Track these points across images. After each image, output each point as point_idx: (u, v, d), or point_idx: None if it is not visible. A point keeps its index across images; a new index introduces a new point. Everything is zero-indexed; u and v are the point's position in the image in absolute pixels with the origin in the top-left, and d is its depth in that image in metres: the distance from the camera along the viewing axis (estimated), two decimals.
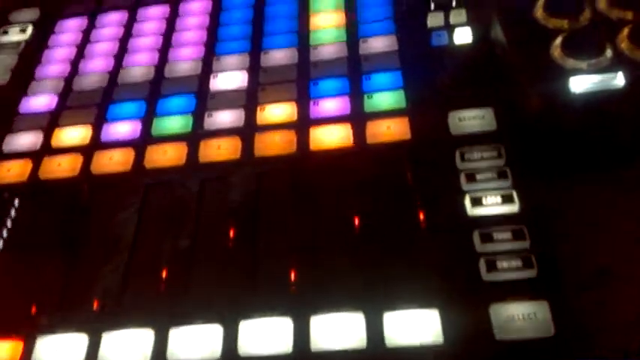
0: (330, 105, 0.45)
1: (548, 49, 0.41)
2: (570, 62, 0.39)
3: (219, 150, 0.44)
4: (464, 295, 0.33)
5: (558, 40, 0.40)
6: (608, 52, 0.39)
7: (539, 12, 0.43)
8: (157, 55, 0.53)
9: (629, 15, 0.41)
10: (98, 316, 0.36)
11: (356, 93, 0.46)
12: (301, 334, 0.33)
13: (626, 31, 0.40)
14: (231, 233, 0.39)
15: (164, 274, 0.37)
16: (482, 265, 0.34)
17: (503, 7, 0.45)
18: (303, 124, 0.44)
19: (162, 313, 0.35)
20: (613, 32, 0.40)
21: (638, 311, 0.33)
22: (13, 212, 0.43)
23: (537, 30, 0.42)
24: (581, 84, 0.38)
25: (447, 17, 0.49)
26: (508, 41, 0.43)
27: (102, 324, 0.35)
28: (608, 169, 0.38)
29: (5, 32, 0.59)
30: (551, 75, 0.39)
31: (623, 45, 0.39)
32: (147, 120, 0.47)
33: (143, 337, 0.34)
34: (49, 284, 0.38)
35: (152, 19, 0.57)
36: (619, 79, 0.38)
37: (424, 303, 0.33)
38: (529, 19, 0.43)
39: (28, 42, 0.58)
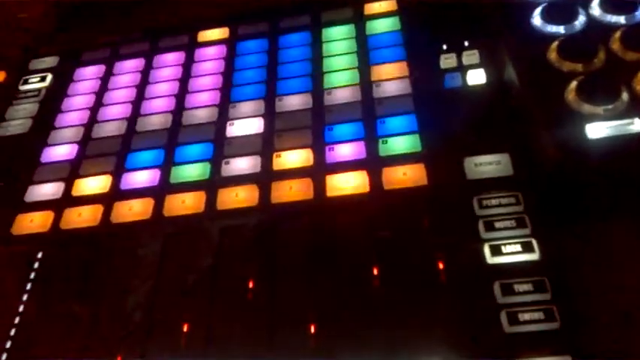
0: (346, 150, 0.46)
1: (562, 93, 0.41)
2: (586, 107, 0.39)
3: (237, 197, 0.44)
4: (487, 349, 0.33)
5: (573, 85, 0.40)
6: (625, 96, 0.39)
7: (552, 55, 0.43)
8: (174, 102, 0.54)
9: None
10: None
11: (371, 137, 0.46)
12: None
13: None
14: (250, 284, 0.39)
15: (185, 328, 0.37)
16: (504, 317, 0.34)
17: (516, 49, 0.45)
18: (319, 170, 0.45)
19: None
20: (628, 75, 0.40)
21: None
22: (36, 263, 0.44)
23: (551, 73, 0.42)
24: (597, 130, 0.38)
25: (459, 58, 0.49)
26: (522, 84, 0.43)
27: None
28: (627, 214, 0.37)
29: (26, 81, 0.61)
30: (567, 121, 0.39)
31: (639, 88, 0.39)
32: (165, 168, 0.48)
33: None
34: (72, 333, 0.38)
35: (168, 65, 0.58)
36: (636, 125, 0.38)
37: (446, 357, 0.33)
38: (543, 62, 0.43)
39: (48, 89, 0.59)
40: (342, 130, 0.47)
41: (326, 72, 0.52)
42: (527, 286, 0.35)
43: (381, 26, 0.55)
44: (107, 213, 0.46)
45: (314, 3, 0.60)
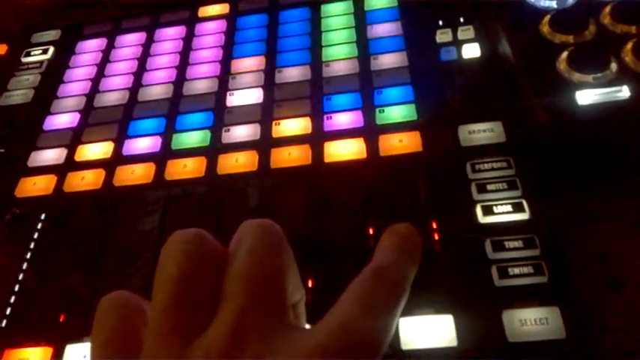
0: (344, 118, 0.47)
1: (554, 63, 0.42)
2: (576, 76, 0.40)
3: (237, 163, 0.46)
4: (477, 300, 0.34)
5: (564, 55, 0.42)
6: (614, 66, 0.40)
7: (545, 28, 0.44)
8: (175, 73, 0.55)
9: (633, 29, 0.43)
10: None
11: (368, 107, 0.47)
12: None
13: (630, 45, 0.41)
14: None
15: None
16: (494, 271, 0.35)
17: (510, 23, 0.47)
18: (317, 138, 0.46)
19: None
20: (618, 46, 0.42)
21: None
22: (39, 225, 0.45)
23: (544, 45, 0.44)
24: (587, 97, 0.39)
25: (455, 33, 0.50)
26: (515, 56, 0.44)
27: None
28: (615, 178, 0.39)
29: (28, 53, 0.61)
30: (558, 88, 0.40)
31: (628, 58, 0.41)
32: (167, 135, 0.49)
33: None
34: (76, 293, 0.39)
35: (169, 39, 0.59)
36: (624, 92, 0.39)
37: (439, 309, 0.34)
38: (535, 35, 0.45)
39: (50, 62, 0.60)
40: (340, 100, 0.48)
41: (325, 46, 0.54)
42: (517, 243, 0.36)
43: (379, 2, 0.56)
44: (109, 177, 0.47)
45: None
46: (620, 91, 0.39)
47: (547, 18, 0.45)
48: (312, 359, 0.19)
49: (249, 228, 0.23)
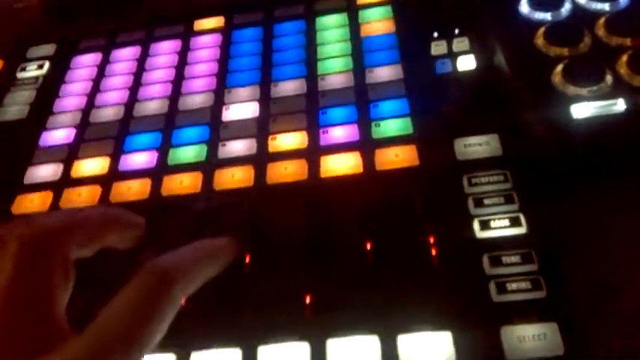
0: (340, 132, 0.47)
1: (549, 76, 0.42)
2: (571, 89, 0.40)
3: (233, 178, 0.45)
4: (475, 317, 0.34)
5: (559, 68, 0.42)
6: (608, 79, 0.41)
7: (539, 40, 0.44)
8: (170, 88, 0.55)
9: (628, 42, 0.43)
10: None
11: (364, 120, 0.47)
12: (318, 358, 0.34)
13: (625, 57, 0.41)
14: (247, 259, 0.40)
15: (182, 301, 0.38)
16: (492, 287, 0.35)
17: (505, 35, 0.47)
18: (313, 152, 0.46)
19: (183, 337, 0.36)
20: (612, 59, 0.42)
21: None
22: None
23: (538, 57, 0.44)
24: (582, 110, 0.39)
25: (450, 45, 0.51)
26: (510, 69, 0.44)
27: None
28: (611, 191, 0.39)
29: (23, 69, 0.61)
30: (553, 102, 0.40)
31: (622, 71, 0.41)
32: (163, 150, 0.49)
33: None
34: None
35: (164, 53, 0.59)
36: (619, 105, 0.39)
37: (437, 326, 0.34)
38: (530, 47, 0.45)
39: (45, 77, 0.60)
40: (336, 113, 0.48)
41: (320, 59, 0.54)
42: (515, 258, 0.36)
43: (374, 15, 0.56)
44: (106, 193, 0.47)
45: None
46: (615, 104, 0.39)
47: (542, 30, 0.45)
48: None
49: (7, 249, 0.22)
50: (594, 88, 0.40)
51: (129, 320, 0.21)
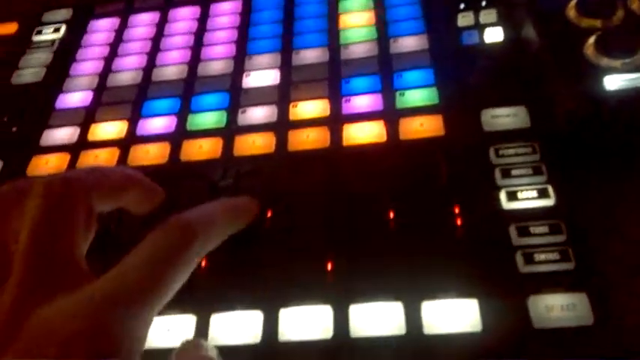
0: (362, 102, 0.46)
1: (581, 48, 0.41)
2: (604, 61, 0.40)
3: (254, 144, 0.45)
4: (502, 286, 0.34)
5: (592, 40, 0.41)
6: None
7: (571, 12, 0.43)
8: (189, 54, 0.54)
9: None
10: None
11: (388, 90, 0.46)
12: (340, 322, 0.34)
13: None
14: (268, 222, 0.39)
15: (204, 263, 0.38)
16: (519, 257, 0.34)
17: (535, 7, 0.46)
18: (335, 120, 0.45)
19: (204, 300, 0.36)
20: None
21: None
22: None
23: (570, 30, 0.43)
24: (615, 82, 0.38)
25: (477, 16, 0.50)
26: (541, 41, 0.43)
27: None
28: None
29: (39, 32, 0.61)
30: (585, 74, 0.39)
31: None
32: (182, 115, 0.48)
33: (185, 323, 0.35)
34: None
35: (183, 19, 0.58)
36: None
37: (463, 293, 0.33)
38: (561, 19, 0.44)
39: (62, 40, 0.59)
40: (359, 82, 0.47)
41: (342, 28, 0.53)
42: (543, 229, 0.35)
43: None
44: (124, 156, 0.46)
45: None
46: None
47: (573, 2, 0.44)
48: (77, 311, 0.19)
49: (33, 194, 0.23)
50: (627, 60, 0.39)
51: (150, 268, 0.21)
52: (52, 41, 0.59)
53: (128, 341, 0.20)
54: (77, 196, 0.23)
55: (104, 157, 0.46)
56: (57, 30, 0.60)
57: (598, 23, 0.42)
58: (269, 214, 0.39)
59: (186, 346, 0.23)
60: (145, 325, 0.21)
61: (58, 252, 0.22)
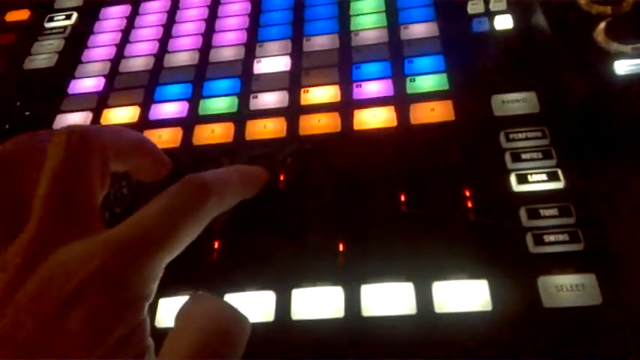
0: (373, 87, 0.46)
1: (591, 34, 0.41)
2: (614, 46, 0.40)
3: (265, 129, 0.45)
4: (512, 267, 0.34)
5: (602, 25, 0.41)
6: None
7: None
8: (201, 40, 0.54)
9: None
10: None
11: (398, 76, 0.47)
12: (352, 301, 0.34)
13: None
14: (279, 206, 0.40)
15: (216, 245, 0.38)
16: (529, 239, 0.35)
17: None
18: (346, 106, 0.46)
19: (217, 281, 0.36)
20: None
21: None
22: None
23: (580, 16, 0.43)
24: (625, 67, 0.39)
25: (487, 4, 0.50)
26: (551, 27, 0.44)
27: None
28: None
29: (51, 19, 0.61)
30: (595, 59, 0.40)
31: None
32: (194, 101, 0.49)
33: None
34: None
35: (195, 6, 0.58)
36: None
37: (473, 273, 0.34)
38: (572, 6, 0.44)
39: (73, 27, 0.60)
40: (370, 68, 0.48)
41: (353, 15, 0.53)
42: (553, 211, 0.36)
43: None
44: None
45: None
46: None
47: None
48: (95, 252, 0.20)
49: (55, 141, 0.24)
50: (638, 45, 0.39)
51: (164, 218, 0.22)
52: (64, 28, 0.60)
53: (138, 286, 0.21)
54: (95, 148, 0.24)
55: None
56: (68, 17, 0.61)
57: (608, 9, 0.42)
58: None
59: (198, 296, 0.23)
60: (154, 274, 0.22)
61: (76, 198, 0.23)
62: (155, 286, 0.22)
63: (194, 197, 0.24)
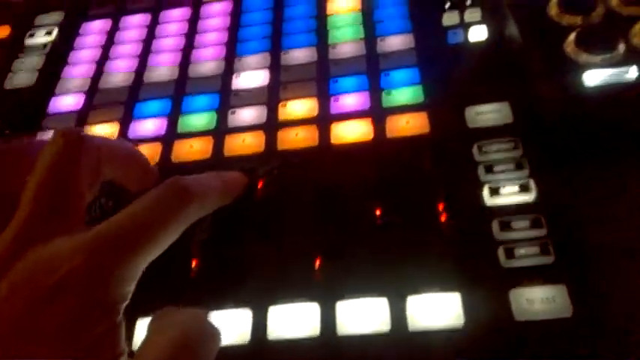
0: (350, 100, 0.47)
1: (562, 45, 0.42)
2: (584, 57, 0.40)
3: (244, 143, 0.46)
4: (484, 280, 0.35)
5: (572, 36, 0.42)
6: (621, 47, 0.40)
7: (552, 10, 0.44)
8: (180, 56, 0.55)
9: None
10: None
11: (375, 89, 0.47)
12: (328, 319, 0.35)
13: (637, 26, 0.41)
14: (256, 221, 0.40)
15: (194, 264, 0.39)
16: (501, 252, 0.35)
17: (517, 4, 0.47)
18: (324, 119, 0.46)
19: (195, 298, 0.37)
20: (625, 28, 0.42)
21: None
22: None
23: (551, 27, 0.44)
24: (595, 78, 0.39)
25: (462, 16, 0.50)
26: (523, 38, 0.44)
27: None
28: (623, 157, 0.39)
29: (31, 35, 0.61)
30: (565, 69, 0.40)
31: (636, 40, 0.41)
32: (173, 117, 0.49)
33: None
34: None
35: (174, 21, 0.59)
36: (631, 73, 0.39)
37: (446, 287, 0.34)
38: (543, 17, 0.44)
39: (54, 43, 0.60)
40: (347, 82, 0.48)
41: (331, 28, 0.53)
42: (524, 223, 0.36)
43: None
44: None
45: None
46: (627, 72, 0.39)
47: (555, 0, 0.45)
48: (77, 250, 0.21)
49: (51, 140, 0.24)
50: (607, 55, 0.40)
51: (145, 219, 0.23)
52: (45, 44, 0.60)
53: (117, 286, 0.21)
54: (88, 151, 0.25)
55: None
56: (49, 33, 0.61)
57: (578, 20, 0.43)
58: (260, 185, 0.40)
59: (169, 308, 0.24)
60: (133, 275, 0.22)
61: (65, 194, 0.23)
62: (132, 287, 0.22)
63: (176, 200, 0.24)
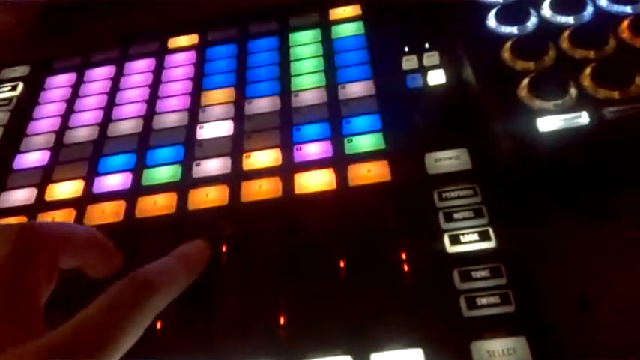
0: (313, 149, 0.47)
1: (516, 90, 0.43)
2: (537, 103, 0.41)
3: (208, 197, 0.46)
4: (446, 332, 0.35)
5: (525, 82, 0.42)
6: (573, 92, 0.41)
7: (506, 54, 0.45)
8: (144, 107, 0.55)
9: (591, 54, 0.44)
10: None
11: (337, 137, 0.47)
12: None
13: (588, 70, 0.42)
14: (220, 277, 0.40)
15: (159, 325, 0.38)
16: (462, 302, 0.35)
17: (472, 49, 0.48)
18: (287, 169, 0.46)
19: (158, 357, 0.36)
20: (577, 71, 0.43)
21: (620, 341, 0.34)
22: None
23: (505, 71, 0.44)
24: (548, 124, 0.40)
25: (420, 59, 0.51)
26: (477, 82, 0.45)
27: None
28: (578, 202, 0.39)
29: None
30: (519, 115, 0.41)
31: (586, 84, 0.42)
32: (137, 171, 0.49)
33: None
34: None
35: (139, 71, 0.59)
36: (583, 118, 0.40)
37: (409, 343, 0.34)
38: (497, 61, 0.45)
39: (19, 98, 0.60)
40: (310, 130, 0.49)
41: (293, 75, 0.54)
42: (484, 272, 0.36)
43: (346, 30, 0.57)
44: (80, 217, 0.46)
45: (282, 9, 0.61)
46: (579, 117, 0.40)
47: (508, 44, 0.46)
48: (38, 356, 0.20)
49: (2, 240, 0.24)
50: (559, 101, 0.41)
51: (105, 321, 0.22)
52: (9, 99, 0.60)
53: None
54: (44, 247, 0.24)
55: (61, 219, 0.47)
56: (14, 88, 0.61)
57: (531, 65, 0.44)
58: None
59: None
60: None
61: (19, 300, 0.23)
62: None
63: (137, 296, 0.24)
